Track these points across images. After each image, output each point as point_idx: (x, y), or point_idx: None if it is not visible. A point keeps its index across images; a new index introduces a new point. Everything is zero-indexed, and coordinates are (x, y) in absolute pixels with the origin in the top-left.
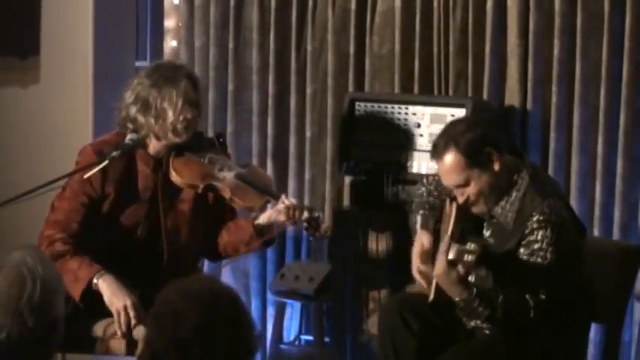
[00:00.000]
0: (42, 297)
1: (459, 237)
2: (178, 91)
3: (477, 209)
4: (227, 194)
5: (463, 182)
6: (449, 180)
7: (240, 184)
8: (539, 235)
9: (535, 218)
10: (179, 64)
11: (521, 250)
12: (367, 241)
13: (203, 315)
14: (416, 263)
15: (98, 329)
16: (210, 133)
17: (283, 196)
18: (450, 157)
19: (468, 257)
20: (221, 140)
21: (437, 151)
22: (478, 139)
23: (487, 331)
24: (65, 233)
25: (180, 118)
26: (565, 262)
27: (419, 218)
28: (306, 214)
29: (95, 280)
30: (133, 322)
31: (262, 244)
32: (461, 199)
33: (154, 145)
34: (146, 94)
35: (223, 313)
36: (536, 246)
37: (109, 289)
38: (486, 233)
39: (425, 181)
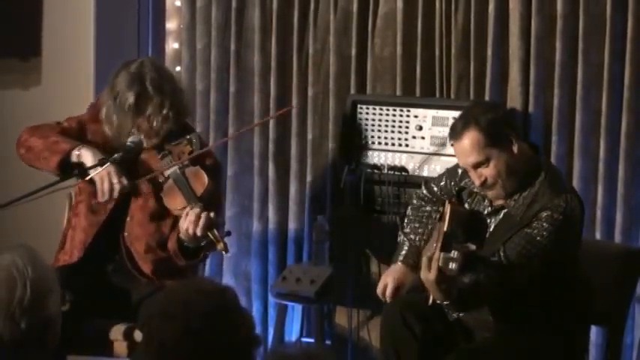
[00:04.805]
0: (33, 298)
1: (452, 238)
2: (129, 109)
3: (494, 194)
4: (162, 193)
5: (483, 160)
6: (468, 159)
7: (173, 186)
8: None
9: (546, 213)
10: (137, 76)
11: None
12: (368, 244)
13: (212, 304)
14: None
15: (100, 331)
16: (211, 136)
17: (189, 208)
18: (470, 136)
19: (452, 265)
20: (194, 140)
21: (456, 131)
22: (499, 119)
23: (487, 334)
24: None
25: (138, 129)
26: (557, 249)
27: (404, 248)
28: (199, 232)
29: (77, 152)
30: (115, 184)
31: (187, 256)
32: (478, 182)
33: None
34: (116, 94)
35: (229, 304)
36: (537, 224)
37: (92, 156)
38: (493, 221)
39: (419, 192)
